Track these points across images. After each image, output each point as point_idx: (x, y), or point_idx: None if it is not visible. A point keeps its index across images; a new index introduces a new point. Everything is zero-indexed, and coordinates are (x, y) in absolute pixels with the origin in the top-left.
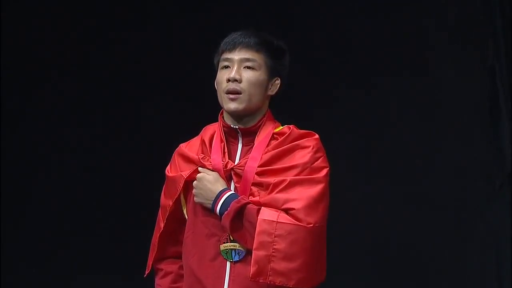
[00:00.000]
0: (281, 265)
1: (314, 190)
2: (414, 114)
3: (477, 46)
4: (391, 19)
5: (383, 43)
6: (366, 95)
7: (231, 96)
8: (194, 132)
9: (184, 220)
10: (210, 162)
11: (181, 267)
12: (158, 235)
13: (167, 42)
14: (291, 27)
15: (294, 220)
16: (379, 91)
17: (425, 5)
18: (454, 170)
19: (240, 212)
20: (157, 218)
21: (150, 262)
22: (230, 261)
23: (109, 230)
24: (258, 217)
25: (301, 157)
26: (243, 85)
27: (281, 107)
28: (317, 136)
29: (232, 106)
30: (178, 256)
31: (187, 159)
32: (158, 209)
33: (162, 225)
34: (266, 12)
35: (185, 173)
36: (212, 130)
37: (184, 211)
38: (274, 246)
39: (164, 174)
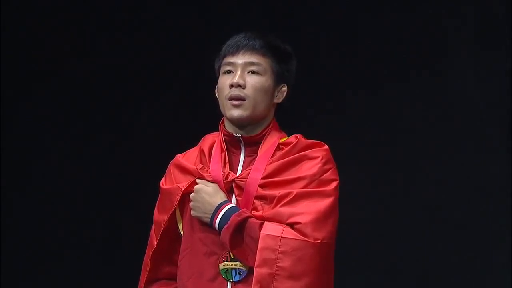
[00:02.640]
0: (286, 285)
1: (323, 204)
2: (430, 122)
3: (496, 47)
4: (409, 19)
5: (398, 44)
6: (380, 99)
7: (235, 102)
8: (193, 143)
9: (179, 238)
10: (209, 173)
11: None
12: (150, 253)
13: (164, 45)
14: (294, 26)
15: (300, 236)
16: (392, 95)
17: (444, 5)
18: (472, 186)
19: (241, 227)
20: (150, 235)
21: (141, 284)
22: (231, 282)
23: (96, 248)
24: (261, 232)
25: (309, 168)
26: (247, 91)
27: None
28: (326, 146)
29: (236, 113)
30: (172, 278)
31: (184, 170)
32: (151, 225)
33: (155, 242)
34: (266, 10)
35: (182, 185)
36: (212, 140)
37: (180, 227)
38: (278, 264)
39: (158, 187)
